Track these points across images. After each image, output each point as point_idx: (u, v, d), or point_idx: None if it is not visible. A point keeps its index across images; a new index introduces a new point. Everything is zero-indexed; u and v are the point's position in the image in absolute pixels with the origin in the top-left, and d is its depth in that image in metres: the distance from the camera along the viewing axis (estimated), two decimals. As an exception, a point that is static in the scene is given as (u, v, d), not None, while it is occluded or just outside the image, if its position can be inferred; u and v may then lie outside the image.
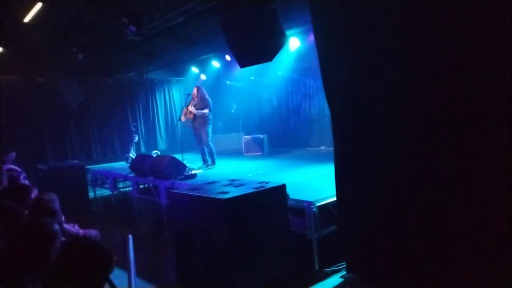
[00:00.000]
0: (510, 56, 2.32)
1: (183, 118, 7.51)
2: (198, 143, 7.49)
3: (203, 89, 7.44)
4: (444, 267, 2.83)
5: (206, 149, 7.35)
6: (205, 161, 7.39)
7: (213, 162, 7.35)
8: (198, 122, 7.27)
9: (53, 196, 2.89)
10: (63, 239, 2.76)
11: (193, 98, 7.30)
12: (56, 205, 2.85)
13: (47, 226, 1.93)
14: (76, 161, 8.83)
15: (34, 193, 3.51)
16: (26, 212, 2.84)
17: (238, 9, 4.80)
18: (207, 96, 7.31)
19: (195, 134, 7.42)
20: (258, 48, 4.75)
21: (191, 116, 7.29)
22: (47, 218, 2.09)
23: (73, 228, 3.33)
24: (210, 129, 7.35)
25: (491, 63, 2.45)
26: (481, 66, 2.52)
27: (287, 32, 5.14)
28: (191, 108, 7.24)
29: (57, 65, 9.40)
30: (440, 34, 2.69)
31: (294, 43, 8.14)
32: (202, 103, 7.22)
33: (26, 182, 3.66)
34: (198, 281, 3.74)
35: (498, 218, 2.50)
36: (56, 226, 1.96)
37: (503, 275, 2.49)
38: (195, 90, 7.35)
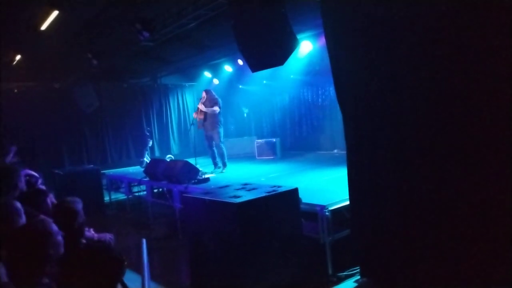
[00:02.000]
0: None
1: (195, 115, 7.62)
2: (208, 146, 7.47)
3: (212, 91, 7.52)
4: (458, 271, 2.78)
5: (216, 151, 7.35)
6: (215, 164, 7.41)
7: (224, 165, 7.34)
8: (209, 123, 7.29)
9: (75, 199, 2.95)
10: (84, 241, 2.82)
11: (202, 102, 7.38)
12: (78, 206, 2.91)
13: (42, 225, 2.00)
14: (92, 165, 8.97)
15: (51, 198, 3.57)
16: (41, 216, 2.89)
17: (249, 14, 4.82)
18: (216, 96, 7.40)
19: (206, 136, 7.44)
20: (269, 52, 4.76)
21: (202, 116, 7.33)
22: (47, 218, 2.15)
23: (88, 232, 3.37)
24: (221, 130, 7.35)
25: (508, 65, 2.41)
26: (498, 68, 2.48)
27: (299, 36, 5.13)
28: (200, 106, 7.30)
29: (72, 71, 9.58)
30: (455, 35, 2.66)
31: (306, 46, 8.13)
32: (212, 102, 7.28)
33: (43, 187, 3.73)
34: (211, 284, 3.75)
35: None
36: (52, 225, 2.02)
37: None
38: (204, 94, 7.42)
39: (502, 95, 2.43)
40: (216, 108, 7.22)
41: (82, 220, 2.90)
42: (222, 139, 7.36)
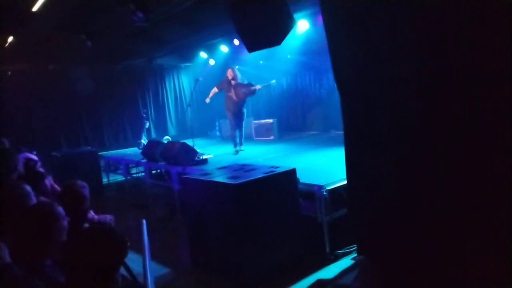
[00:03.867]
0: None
1: (207, 100, 7.71)
2: (233, 126, 7.39)
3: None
4: (455, 250, 2.84)
5: (240, 132, 7.39)
6: (236, 144, 7.40)
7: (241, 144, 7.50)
8: (239, 102, 7.25)
9: (84, 184, 2.97)
10: (87, 225, 2.85)
11: (230, 80, 7.28)
12: (86, 191, 2.93)
13: (50, 207, 2.01)
14: (89, 147, 8.96)
15: (49, 180, 3.60)
16: (40, 198, 2.91)
17: (245, -7, 4.75)
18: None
19: (233, 114, 7.32)
20: (266, 32, 4.71)
21: (236, 98, 7.22)
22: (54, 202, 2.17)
23: (88, 214, 3.41)
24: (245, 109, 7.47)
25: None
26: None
27: (295, 15, 5.08)
28: (255, 86, 7.22)
29: (66, 52, 9.44)
30: (457, 24, 2.64)
31: (303, 25, 8.03)
32: (245, 81, 7.32)
33: (41, 170, 3.75)
34: (211, 264, 3.82)
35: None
36: (59, 208, 2.03)
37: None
38: (230, 72, 7.31)
39: (503, 95, 2.43)
40: (258, 86, 7.26)
41: (87, 205, 2.93)
42: None
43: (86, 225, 2.86)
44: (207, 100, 7.86)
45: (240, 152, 7.26)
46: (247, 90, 7.18)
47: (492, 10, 2.41)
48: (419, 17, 2.84)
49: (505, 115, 2.43)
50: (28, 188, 2.40)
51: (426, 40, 2.82)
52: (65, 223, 2.03)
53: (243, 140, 7.53)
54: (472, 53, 2.56)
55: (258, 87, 7.25)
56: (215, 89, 7.64)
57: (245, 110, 7.46)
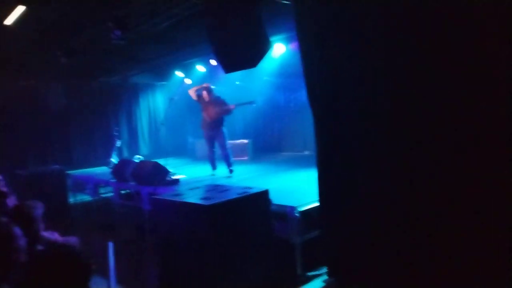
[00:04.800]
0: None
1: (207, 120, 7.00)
2: (210, 147, 6.99)
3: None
4: (427, 271, 2.87)
5: (222, 152, 6.84)
6: (214, 167, 7.00)
7: (231, 165, 6.92)
8: (215, 122, 6.83)
9: (37, 204, 2.85)
10: (40, 247, 2.71)
11: (203, 99, 6.92)
12: (37, 212, 2.81)
13: (6, 228, 1.93)
14: (56, 166, 8.66)
15: (11, 200, 3.44)
16: (2, 218, 2.78)
17: (223, 15, 4.81)
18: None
19: (209, 136, 6.96)
20: (242, 53, 4.76)
21: (209, 118, 6.85)
22: (6, 220, 2.08)
23: (52, 235, 3.26)
24: (225, 130, 6.96)
25: (485, 64, 2.49)
26: (469, 66, 2.56)
27: (272, 38, 5.17)
28: (227, 107, 6.79)
29: (39, 68, 9.23)
30: (426, 32, 2.74)
31: (279, 48, 8.19)
32: (219, 99, 6.89)
33: (4, 189, 3.58)
34: (181, 286, 3.71)
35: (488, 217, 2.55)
36: (16, 229, 1.95)
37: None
38: (205, 93, 6.92)
39: (491, 94, 2.49)
40: (232, 106, 6.83)
41: (39, 226, 2.81)
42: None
43: (40, 247, 2.73)
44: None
45: (214, 172, 7.03)
46: (220, 110, 6.80)
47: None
48: (392, 36, 2.93)
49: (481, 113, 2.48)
50: None
51: (397, 59, 2.91)
52: (22, 243, 1.95)
53: (231, 160, 6.91)
54: (450, 72, 2.65)
55: (232, 106, 6.85)
56: (194, 89, 7.18)
57: (224, 129, 6.93)
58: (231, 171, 6.84)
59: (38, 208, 2.83)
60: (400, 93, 2.92)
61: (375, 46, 3.03)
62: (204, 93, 6.97)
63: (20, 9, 6.03)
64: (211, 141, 6.98)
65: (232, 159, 6.97)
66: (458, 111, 2.59)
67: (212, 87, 7.19)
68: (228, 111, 6.85)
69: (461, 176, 2.62)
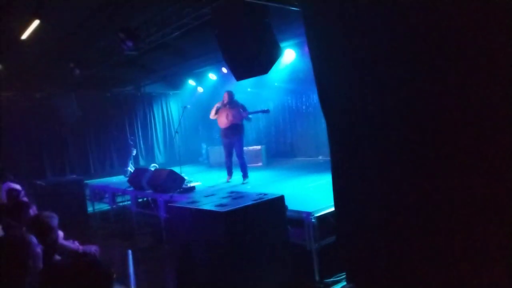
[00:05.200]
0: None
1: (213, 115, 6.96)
2: (227, 155, 6.88)
3: (233, 93, 6.98)
4: (443, 274, 2.84)
5: (239, 161, 6.76)
6: (230, 174, 6.91)
7: (246, 176, 6.79)
8: (233, 130, 6.71)
9: (52, 214, 2.92)
10: (58, 257, 2.78)
11: (224, 105, 6.79)
12: (54, 221, 2.87)
13: (21, 235, 1.99)
14: (75, 176, 8.83)
15: (33, 210, 3.52)
16: (24, 228, 2.85)
17: (233, 23, 4.86)
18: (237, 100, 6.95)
19: (226, 143, 6.84)
20: (253, 61, 4.80)
21: (224, 121, 6.73)
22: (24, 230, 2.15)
23: (73, 244, 3.33)
24: (243, 138, 6.84)
25: (491, 63, 2.47)
26: (481, 67, 2.54)
27: (282, 44, 5.21)
28: (240, 113, 6.67)
29: (54, 80, 9.46)
30: (438, 37, 2.73)
31: (290, 54, 8.22)
32: (238, 105, 6.75)
33: (25, 199, 3.67)
34: (199, 294, 3.73)
35: (499, 224, 2.51)
36: (31, 237, 2.01)
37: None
38: (226, 96, 6.80)
39: (496, 93, 2.47)
40: (245, 114, 6.72)
41: (55, 236, 2.87)
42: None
43: (58, 257, 2.79)
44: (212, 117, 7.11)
45: (230, 180, 6.97)
46: (236, 114, 6.69)
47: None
48: (407, 42, 2.92)
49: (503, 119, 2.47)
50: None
51: (415, 65, 2.90)
52: (38, 250, 2.01)
53: (246, 170, 6.76)
54: (463, 78, 2.63)
55: (245, 114, 6.75)
56: (216, 106, 6.99)
57: (240, 136, 6.78)
58: (245, 180, 6.75)
59: (54, 218, 2.89)
60: (417, 97, 2.90)
61: (388, 49, 3.02)
62: (225, 95, 6.89)
63: (35, 23, 6.19)
64: (228, 149, 6.90)
65: (247, 169, 6.88)
66: (479, 114, 2.57)
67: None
68: (241, 117, 6.75)
69: (481, 178, 2.58)
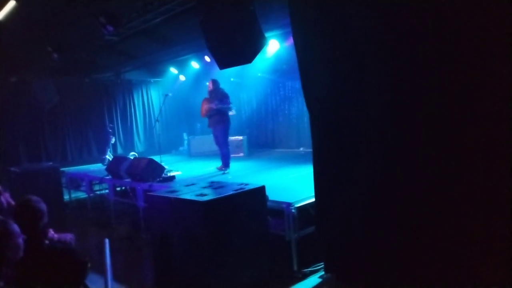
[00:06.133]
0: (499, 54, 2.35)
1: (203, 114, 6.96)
2: (216, 143, 6.95)
3: (218, 81, 6.99)
4: (421, 267, 2.89)
5: (221, 150, 6.79)
6: (224, 164, 6.82)
7: (226, 166, 6.79)
8: (214, 120, 6.74)
9: (39, 198, 2.82)
10: (47, 242, 2.70)
11: (209, 93, 6.84)
12: (43, 206, 2.78)
13: (2, 225, 1.90)
14: (51, 163, 8.60)
15: (5, 197, 3.41)
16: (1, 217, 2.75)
17: (218, 11, 4.79)
18: (221, 88, 6.91)
19: (212, 132, 6.92)
20: (237, 49, 4.75)
21: (206, 111, 6.78)
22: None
23: (48, 232, 3.24)
24: (227, 127, 6.77)
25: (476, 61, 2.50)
26: (459, 65, 2.57)
27: (267, 34, 5.16)
28: (210, 105, 6.66)
29: (31, 64, 9.13)
30: (420, 31, 2.75)
31: (274, 45, 8.17)
32: (221, 95, 6.73)
33: (-2, 185, 3.55)
34: (176, 283, 3.70)
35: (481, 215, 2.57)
36: (14, 226, 1.92)
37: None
38: (210, 84, 6.88)
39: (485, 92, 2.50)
40: (214, 106, 6.66)
41: (46, 220, 2.78)
42: (226, 138, 6.83)
43: (47, 242, 2.71)
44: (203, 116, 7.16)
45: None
46: (219, 103, 6.66)
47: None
48: (389, 35, 2.93)
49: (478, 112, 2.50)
50: None
51: (396, 58, 2.92)
52: (20, 240, 1.92)
53: (228, 161, 6.79)
54: (448, 72, 2.66)
55: (214, 106, 6.66)
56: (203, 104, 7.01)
57: (223, 125, 6.76)
58: (222, 169, 6.73)
59: (42, 202, 2.80)
60: (398, 90, 2.93)
61: (373, 43, 3.03)
62: (209, 83, 6.91)
63: (11, 4, 5.95)
64: (215, 138, 6.94)
65: (229, 159, 6.86)
66: (457, 110, 2.61)
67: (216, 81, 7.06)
68: (211, 109, 6.73)
69: (456, 174, 2.63)
